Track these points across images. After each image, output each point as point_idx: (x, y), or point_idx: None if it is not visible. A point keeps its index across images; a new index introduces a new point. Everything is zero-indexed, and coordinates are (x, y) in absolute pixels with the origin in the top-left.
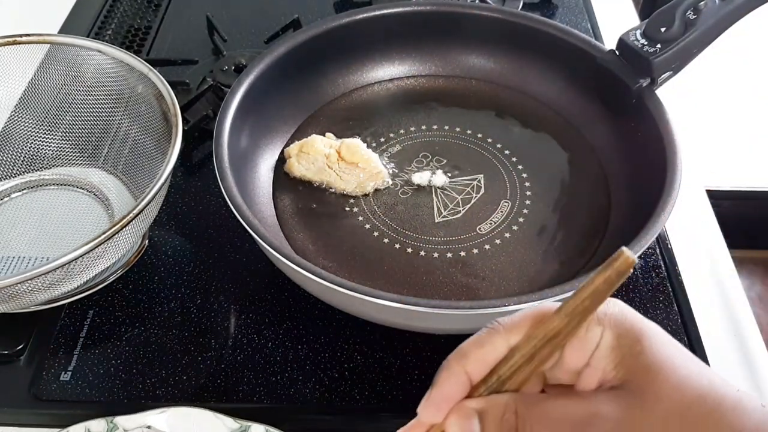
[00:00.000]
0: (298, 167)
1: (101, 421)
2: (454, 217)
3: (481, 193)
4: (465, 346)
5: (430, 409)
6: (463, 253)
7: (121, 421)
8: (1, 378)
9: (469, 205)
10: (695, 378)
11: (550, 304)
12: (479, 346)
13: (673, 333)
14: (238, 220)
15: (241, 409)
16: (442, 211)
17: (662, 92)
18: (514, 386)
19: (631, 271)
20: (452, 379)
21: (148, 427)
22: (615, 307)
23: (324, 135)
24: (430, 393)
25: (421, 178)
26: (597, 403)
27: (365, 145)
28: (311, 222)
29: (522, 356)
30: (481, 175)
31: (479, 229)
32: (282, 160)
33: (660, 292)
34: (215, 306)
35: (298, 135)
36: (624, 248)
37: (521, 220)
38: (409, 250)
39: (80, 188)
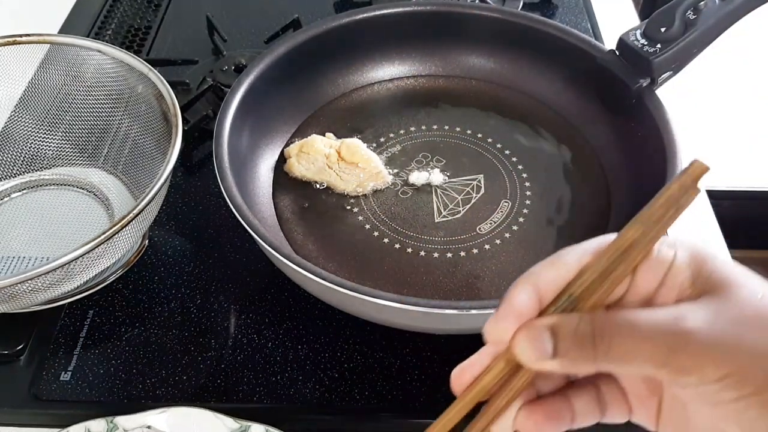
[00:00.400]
0: (298, 167)
1: (101, 421)
2: (454, 217)
3: (481, 193)
4: (536, 267)
5: (499, 323)
6: (463, 253)
7: (122, 421)
8: (1, 378)
9: (469, 205)
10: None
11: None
12: (550, 265)
13: None
14: (238, 220)
15: (241, 409)
16: (442, 211)
17: (662, 92)
18: (586, 309)
19: (706, 176)
20: (522, 295)
21: (148, 427)
22: (679, 236)
23: (324, 135)
24: (498, 310)
25: (418, 177)
26: (683, 309)
27: (365, 145)
28: (311, 222)
29: (594, 272)
30: (481, 175)
31: (479, 229)
32: (282, 160)
33: None
34: (215, 306)
35: (298, 135)
36: (697, 158)
37: (521, 220)
38: (409, 250)
39: (80, 188)
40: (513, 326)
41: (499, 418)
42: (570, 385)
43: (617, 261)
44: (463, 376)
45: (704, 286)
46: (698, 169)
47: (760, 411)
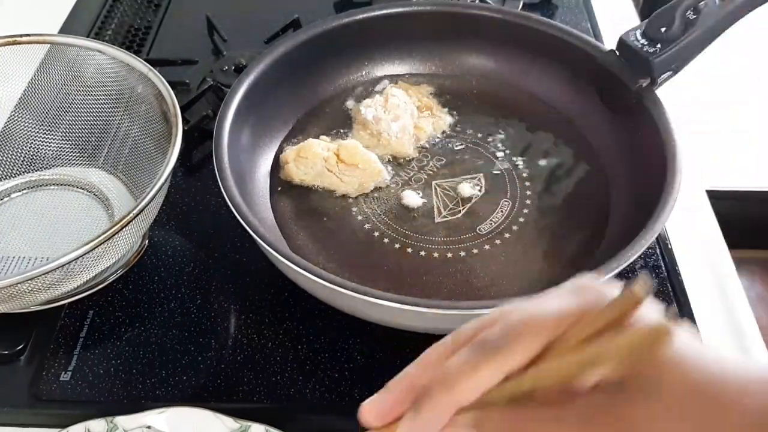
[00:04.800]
0: (297, 172)
1: (101, 421)
2: (454, 217)
3: (481, 193)
4: (450, 376)
5: (371, 414)
6: (463, 253)
7: (122, 421)
8: (1, 378)
9: (469, 205)
10: (700, 367)
11: (551, 314)
12: (469, 376)
13: None
14: (238, 220)
15: (241, 409)
16: (442, 210)
17: (662, 92)
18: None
19: (641, 302)
20: (438, 413)
21: (148, 427)
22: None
23: (323, 136)
24: (408, 424)
25: (463, 188)
26: (600, 400)
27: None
28: (311, 222)
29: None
30: (481, 175)
31: (479, 229)
32: None
33: (660, 292)
34: (215, 306)
35: (299, 135)
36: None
37: (521, 220)
38: (409, 250)
39: (80, 188)
40: (386, 419)
41: None
42: None
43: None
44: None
45: (631, 375)
46: (636, 297)
47: None
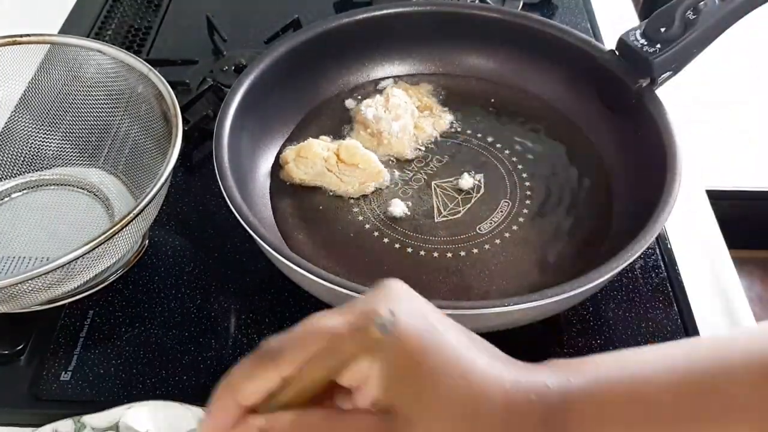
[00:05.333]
0: (297, 172)
1: (68, 421)
2: (454, 216)
3: (481, 192)
4: (234, 379)
5: None
6: (463, 253)
7: (89, 419)
8: (1, 378)
9: (469, 205)
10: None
11: (323, 323)
12: (249, 380)
13: (673, 333)
14: (238, 220)
15: None
16: (442, 210)
17: (662, 92)
18: (300, 402)
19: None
20: (223, 413)
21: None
22: (392, 338)
23: (323, 135)
24: (203, 424)
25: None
26: (367, 420)
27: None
28: (311, 222)
29: (296, 382)
30: (481, 175)
31: (479, 229)
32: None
33: (660, 292)
34: (215, 306)
35: (299, 135)
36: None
37: (521, 220)
38: (409, 250)
39: (80, 188)
40: None
41: None
42: None
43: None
44: None
45: (397, 394)
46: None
47: None
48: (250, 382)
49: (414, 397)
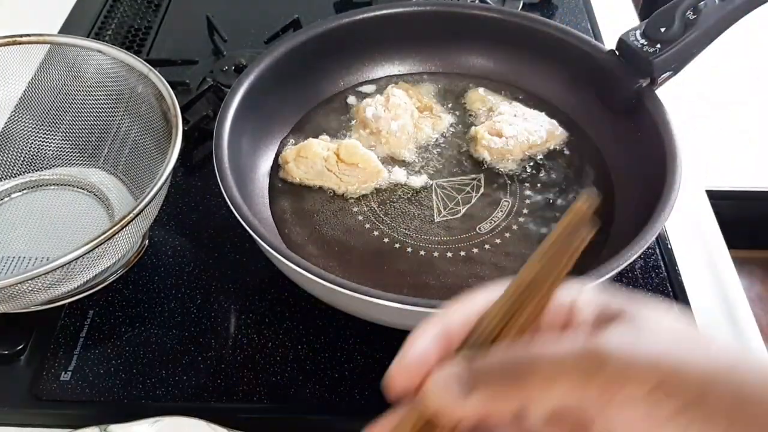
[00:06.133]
0: (297, 171)
1: (95, 429)
2: (454, 216)
3: (481, 192)
4: (443, 308)
5: (400, 374)
6: (463, 253)
7: (115, 429)
8: (1, 378)
9: (469, 205)
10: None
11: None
12: (458, 306)
13: None
14: (238, 220)
15: (240, 409)
16: (442, 210)
17: (662, 92)
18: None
19: (590, 212)
20: (425, 339)
21: None
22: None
23: (320, 137)
24: (400, 355)
25: (407, 176)
26: (592, 338)
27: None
28: (311, 221)
29: (500, 311)
30: (481, 175)
31: (479, 228)
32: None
33: (660, 292)
34: (215, 306)
35: (299, 135)
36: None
37: (521, 219)
38: (409, 249)
39: (80, 188)
40: (418, 375)
41: None
42: None
43: (521, 300)
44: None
45: (609, 320)
46: (583, 203)
47: (703, 426)
48: (458, 308)
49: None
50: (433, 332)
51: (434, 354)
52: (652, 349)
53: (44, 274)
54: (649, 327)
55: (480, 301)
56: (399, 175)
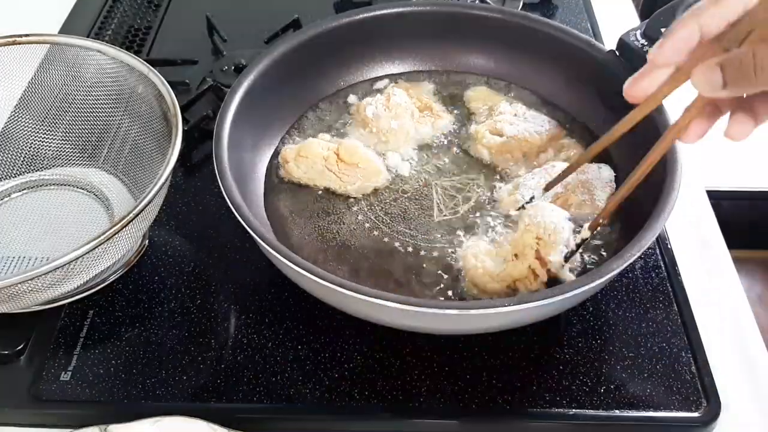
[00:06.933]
0: (297, 171)
1: (95, 429)
2: (454, 216)
3: (481, 191)
4: (700, 3)
5: (663, 51)
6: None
7: (115, 429)
8: (1, 378)
9: (469, 204)
10: None
11: None
12: (715, 3)
13: (673, 333)
14: (238, 220)
15: (240, 409)
16: (443, 209)
17: None
18: (750, 44)
19: None
20: (685, 29)
21: None
22: None
23: (319, 135)
24: (663, 39)
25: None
26: None
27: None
28: (310, 221)
29: (761, 19)
30: (481, 174)
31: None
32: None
33: (660, 292)
34: (215, 306)
35: (299, 134)
36: None
37: None
38: (410, 249)
39: (80, 188)
40: (676, 52)
41: (686, 128)
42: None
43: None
44: (633, 87)
45: None
46: None
47: None
48: (714, 6)
49: None
50: (693, 24)
51: (689, 40)
52: None
53: (44, 274)
54: None
55: (737, 4)
56: (400, 167)
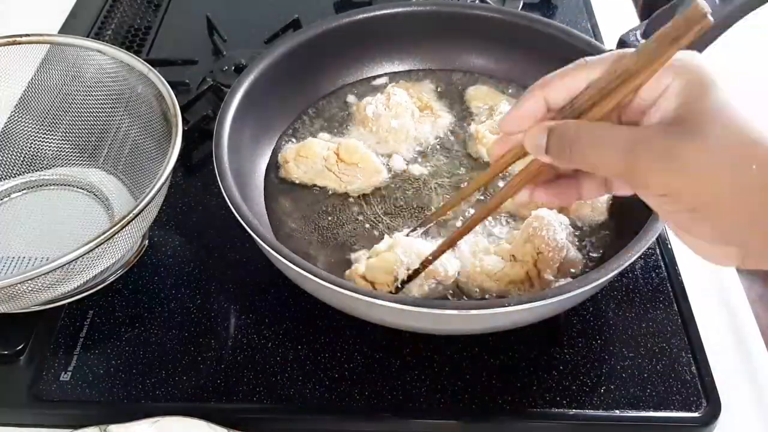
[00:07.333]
0: (297, 171)
1: (95, 429)
2: (454, 216)
3: (481, 191)
4: (548, 76)
5: (508, 121)
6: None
7: (114, 429)
8: (1, 378)
9: (468, 203)
10: (748, 126)
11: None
12: (561, 76)
13: (673, 333)
14: (238, 220)
15: (240, 409)
16: None
17: None
18: (588, 119)
19: (706, 20)
20: (531, 100)
21: None
22: (692, 59)
23: (319, 135)
24: (511, 108)
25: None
26: (648, 131)
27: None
28: (310, 221)
29: (598, 90)
30: (482, 174)
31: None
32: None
33: (660, 292)
34: (215, 306)
35: (298, 134)
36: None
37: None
38: None
39: (80, 188)
40: (519, 124)
41: (516, 192)
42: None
43: (615, 85)
44: (493, 149)
45: (690, 110)
46: (694, 12)
47: (695, 223)
48: (561, 77)
49: (703, 116)
50: (539, 95)
51: (533, 113)
52: (680, 163)
53: (44, 274)
54: (700, 142)
55: (581, 77)
56: (400, 166)
